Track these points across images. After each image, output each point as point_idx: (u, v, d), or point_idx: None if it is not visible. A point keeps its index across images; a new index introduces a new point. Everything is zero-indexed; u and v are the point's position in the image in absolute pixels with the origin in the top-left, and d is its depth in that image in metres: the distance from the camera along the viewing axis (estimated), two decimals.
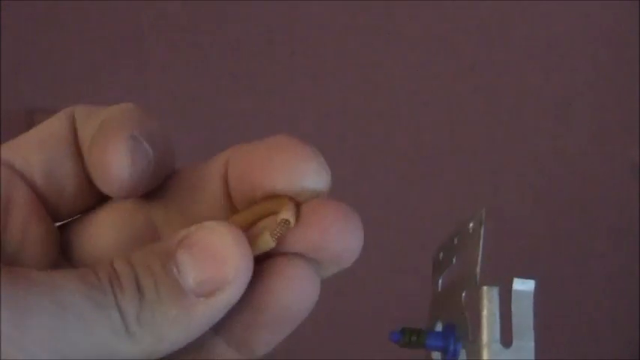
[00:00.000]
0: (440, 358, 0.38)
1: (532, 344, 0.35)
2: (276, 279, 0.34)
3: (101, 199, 0.37)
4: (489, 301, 0.35)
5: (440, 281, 0.39)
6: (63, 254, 0.37)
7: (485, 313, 0.35)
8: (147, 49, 1.10)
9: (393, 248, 1.07)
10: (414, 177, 1.06)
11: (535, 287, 0.36)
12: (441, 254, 0.39)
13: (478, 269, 0.36)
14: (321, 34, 1.05)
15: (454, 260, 0.38)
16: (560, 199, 1.03)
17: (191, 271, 0.33)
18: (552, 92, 1.01)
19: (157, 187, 0.37)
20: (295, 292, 0.34)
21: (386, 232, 1.07)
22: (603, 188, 1.01)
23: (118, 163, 0.35)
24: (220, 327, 0.34)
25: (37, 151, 0.37)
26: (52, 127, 0.38)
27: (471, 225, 0.37)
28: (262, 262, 0.34)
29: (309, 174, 0.35)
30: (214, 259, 0.33)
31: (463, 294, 0.36)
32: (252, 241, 0.34)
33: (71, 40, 1.11)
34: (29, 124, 1.13)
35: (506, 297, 0.36)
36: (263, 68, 1.07)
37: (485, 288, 0.35)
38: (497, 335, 0.35)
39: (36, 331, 0.31)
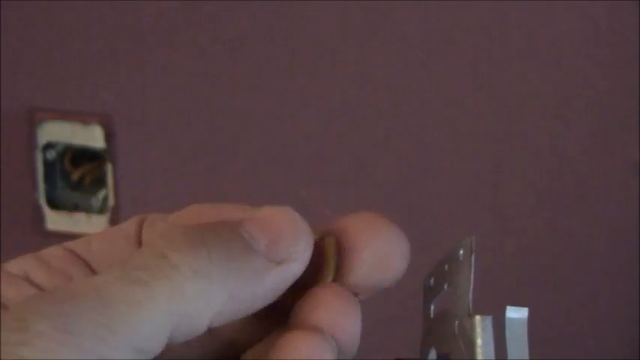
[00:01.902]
0: None
1: None
2: (288, 348, 0.34)
3: None
4: (483, 330, 0.35)
5: (432, 307, 0.39)
6: None
7: (479, 342, 0.35)
8: (147, 49, 1.10)
9: None
10: (413, 176, 1.06)
11: (529, 315, 0.36)
12: (432, 280, 0.39)
13: (470, 298, 0.36)
14: (321, 33, 1.05)
15: (446, 287, 0.38)
16: (559, 198, 1.03)
17: (263, 237, 0.33)
18: (552, 91, 1.01)
19: None
20: None
21: None
22: (603, 187, 1.01)
23: None
24: None
25: (98, 240, 0.37)
26: (121, 225, 0.38)
27: (461, 252, 0.37)
28: (282, 332, 0.34)
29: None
30: (288, 230, 0.34)
31: (456, 323, 0.36)
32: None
33: (71, 39, 1.12)
34: (30, 123, 1.14)
35: (500, 322, 0.36)
36: (263, 68, 1.07)
37: (478, 317, 0.35)
38: None
39: (85, 341, 0.31)
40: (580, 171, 1.01)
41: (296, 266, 0.34)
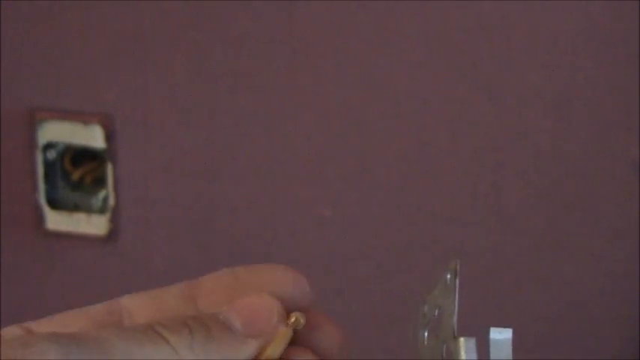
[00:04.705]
0: None
1: None
2: None
3: None
4: (467, 352, 0.36)
5: (425, 334, 0.39)
6: None
7: None
8: (147, 49, 1.10)
9: (393, 247, 1.07)
10: (414, 176, 1.06)
11: (512, 336, 0.36)
12: (426, 307, 0.40)
13: (455, 321, 0.36)
14: (321, 33, 1.05)
15: (436, 313, 0.39)
16: (560, 198, 1.03)
17: (237, 318, 0.38)
18: (553, 91, 1.01)
19: None
20: None
21: (386, 231, 1.07)
22: (603, 187, 1.01)
23: None
24: None
25: (145, 294, 0.41)
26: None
27: (448, 276, 0.38)
28: None
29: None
30: (260, 309, 0.38)
31: (444, 346, 0.37)
32: (273, 342, 0.39)
33: (71, 39, 1.12)
34: (31, 123, 1.14)
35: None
36: (263, 67, 1.07)
37: (462, 339, 0.36)
38: None
39: None
40: (580, 171, 1.01)
41: (268, 339, 0.38)
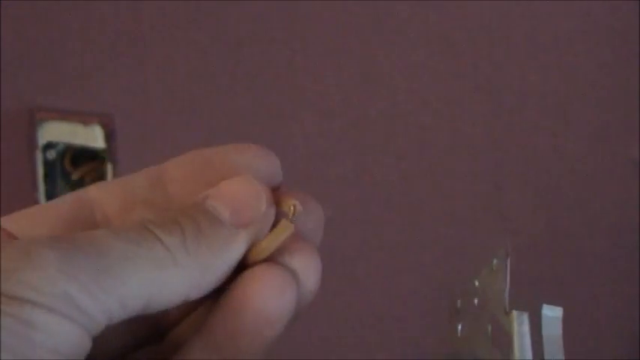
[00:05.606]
0: None
1: None
2: (253, 282, 0.35)
3: None
4: (520, 324, 0.37)
5: (459, 327, 0.40)
6: None
7: (516, 335, 0.36)
8: (147, 49, 1.10)
9: (393, 247, 1.08)
10: (414, 176, 1.06)
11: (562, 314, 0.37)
12: (459, 302, 0.40)
13: (506, 296, 0.37)
14: (321, 33, 1.05)
15: (476, 301, 0.39)
16: (560, 197, 1.03)
17: (225, 208, 0.36)
18: (552, 91, 1.01)
19: None
20: (269, 295, 0.35)
21: (386, 231, 1.07)
22: (603, 187, 1.01)
23: None
24: (204, 330, 0.36)
25: (112, 183, 0.40)
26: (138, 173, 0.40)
27: (495, 262, 0.39)
28: (244, 270, 0.36)
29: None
30: (248, 195, 0.36)
31: (489, 326, 0.38)
32: (271, 235, 0.36)
33: (71, 39, 1.12)
34: (31, 123, 1.14)
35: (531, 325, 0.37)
36: (264, 67, 1.07)
37: (515, 313, 0.37)
38: (530, 356, 0.36)
39: (81, 276, 0.32)
40: (580, 170, 1.01)
41: (261, 225, 0.36)
